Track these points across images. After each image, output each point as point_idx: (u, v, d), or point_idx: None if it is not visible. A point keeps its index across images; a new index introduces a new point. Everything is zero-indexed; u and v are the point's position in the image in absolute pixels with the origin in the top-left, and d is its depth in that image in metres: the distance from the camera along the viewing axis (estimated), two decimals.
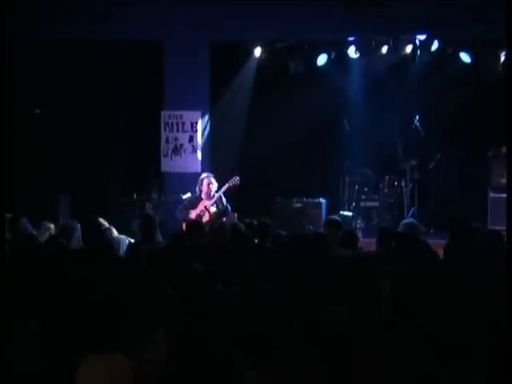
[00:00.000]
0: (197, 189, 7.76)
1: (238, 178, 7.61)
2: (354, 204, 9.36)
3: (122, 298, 3.41)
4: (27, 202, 8.06)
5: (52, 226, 5.95)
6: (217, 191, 7.62)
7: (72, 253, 5.05)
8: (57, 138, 9.67)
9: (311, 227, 8.69)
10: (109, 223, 5.96)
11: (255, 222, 5.87)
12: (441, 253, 4.98)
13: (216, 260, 4.78)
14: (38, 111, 9.37)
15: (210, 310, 3.32)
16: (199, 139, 9.30)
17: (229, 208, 7.59)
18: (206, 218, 7.47)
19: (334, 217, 6.51)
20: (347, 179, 9.39)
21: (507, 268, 3.85)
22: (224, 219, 7.40)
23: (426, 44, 8.90)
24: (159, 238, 5.72)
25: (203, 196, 7.66)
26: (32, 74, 9.26)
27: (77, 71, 9.49)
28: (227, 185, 7.58)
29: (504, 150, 8.14)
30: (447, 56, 9.01)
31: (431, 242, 5.40)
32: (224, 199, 7.54)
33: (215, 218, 7.44)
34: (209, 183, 7.60)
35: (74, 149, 9.70)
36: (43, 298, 3.67)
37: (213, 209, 7.56)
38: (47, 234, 5.77)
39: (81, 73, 9.53)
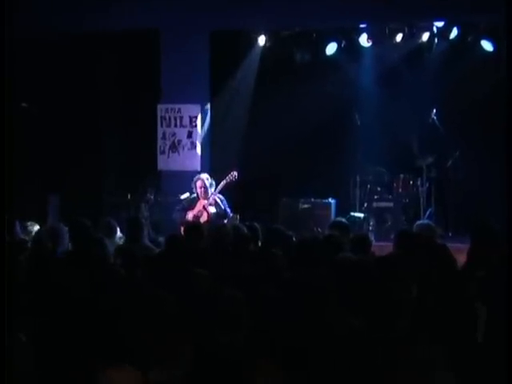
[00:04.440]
0: (193, 190, 7.75)
1: (235, 173, 7.60)
2: (365, 205, 9.33)
3: (122, 307, 3.43)
4: (13, 203, 8.04)
5: (36, 227, 5.92)
6: (215, 190, 7.61)
7: (59, 257, 5.03)
8: (45, 133, 9.67)
9: (319, 229, 8.68)
10: (101, 225, 5.93)
11: (257, 225, 5.83)
12: (459, 257, 4.94)
13: (216, 265, 4.75)
14: (24, 105, 9.37)
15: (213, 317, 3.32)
16: (198, 135, 9.29)
17: (228, 210, 7.58)
18: (204, 218, 7.47)
19: (340, 219, 6.47)
20: (358, 178, 9.37)
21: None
22: (225, 221, 7.38)
23: (444, 31, 8.89)
24: (146, 241, 5.71)
25: (200, 196, 7.65)
26: (19, 67, 9.24)
27: (67, 63, 9.48)
28: (224, 181, 7.57)
29: None
30: (467, 44, 8.97)
31: (449, 245, 5.35)
32: (221, 202, 7.51)
33: (214, 217, 7.42)
34: (201, 186, 7.58)
35: (64, 145, 9.70)
36: (36, 305, 3.69)
37: (212, 209, 7.54)
38: (31, 236, 5.75)
39: (71, 65, 9.52)
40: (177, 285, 3.90)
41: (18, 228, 5.91)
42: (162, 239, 6.37)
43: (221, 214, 7.49)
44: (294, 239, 5.47)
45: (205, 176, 7.74)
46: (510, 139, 5.30)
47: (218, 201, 7.54)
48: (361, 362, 2.86)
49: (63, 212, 9.10)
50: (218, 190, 7.61)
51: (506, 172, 6.51)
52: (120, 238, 5.97)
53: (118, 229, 5.95)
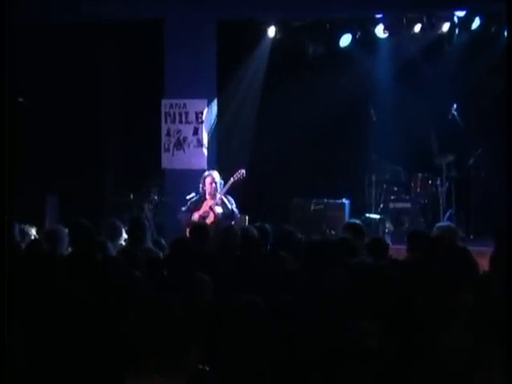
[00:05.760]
0: (200, 188, 7.78)
1: (243, 170, 7.62)
2: (381, 205, 9.35)
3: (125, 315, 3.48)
4: (12, 203, 8.07)
5: (33, 230, 5.95)
6: (222, 189, 7.64)
7: (60, 261, 5.06)
8: (43, 130, 9.68)
9: (332, 232, 8.69)
10: (102, 227, 5.97)
11: (267, 227, 5.85)
12: (481, 261, 4.95)
13: (223, 268, 4.77)
14: (21, 100, 9.42)
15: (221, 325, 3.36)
16: (205, 132, 9.31)
17: (235, 211, 7.60)
18: (210, 220, 7.50)
19: (354, 220, 6.48)
20: (374, 177, 9.38)
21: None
22: (233, 222, 7.40)
23: (465, 21, 8.87)
24: (149, 244, 5.75)
25: (207, 196, 7.68)
26: (16, 60, 9.29)
27: (66, 56, 9.50)
28: (232, 179, 7.60)
29: None
30: (490, 35, 8.92)
31: (471, 249, 5.36)
32: (228, 202, 7.54)
33: (221, 218, 7.45)
34: (211, 182, 7.62)
35: (63, 142, 9.72)
36: (30, 311, 3.73)
37: (218, 209, 7.57)
38: (28, 239, 5.79)
39: (70, 58, 9.54)
40: (181, 289, 3.93)
41: (16, 230, 5.94)
42: (163, 242, 6.43)
43: (228, 215, 7.51)
44: (303, 241, 5.48)
45: (216, 174, 7.75)
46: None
47: (225, 200, 7.57)
48: (376, 370, 2.88)
49: (62, 213, 9.14)
50: (225, 189, 7.64)
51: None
52: (125, 240, 6.01)
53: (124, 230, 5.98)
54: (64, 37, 9.27)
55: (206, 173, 7.84)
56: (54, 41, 9.29)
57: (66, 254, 5.38)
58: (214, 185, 7.62)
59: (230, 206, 7.56)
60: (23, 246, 5.59)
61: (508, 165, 6.45)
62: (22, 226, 6.07)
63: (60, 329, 3.52)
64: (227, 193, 7.73)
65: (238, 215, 7.73)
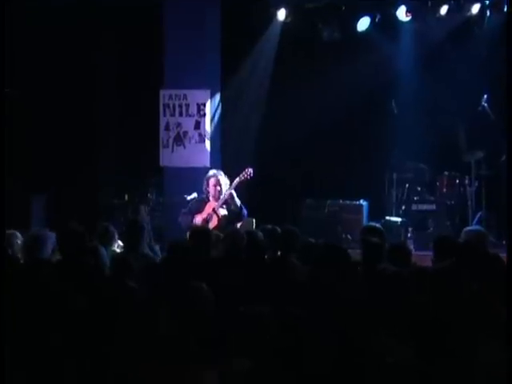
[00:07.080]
0: (203, 189, 7.73)
1: (251, 169, 7.60)
2: (403, 207, 9.34)
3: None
4: None
5: (19, 235, 5.91)
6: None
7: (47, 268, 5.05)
8: (31, 124, 9.72)
9: (349, 236, 8.66)
10: (98, 231, 5.95)
11: (278, 230, 5.83)
12: None
13: (227, 276, 4.72)
14: (7, 90, 9.44)
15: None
16: (208, 125, 9.29)
17: (244, 210, 7.57)
18: (213, 223, 7.47)
19: (373, 224, 6.45)
20: (395, 176, 9.37)
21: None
22: (238, 225, 7.37)
23: (497, 2, 8.82)
24: (145, 249, 5.70)
25: (210, 198, 7.64)
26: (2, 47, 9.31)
27: (58, 41, 9.53)
28: (238, 179, 7.56)
29: None
30: None
31: (503, 255, 5.31)
32: (237, 199, 7.52)
33: (225, 222, 7.42)
34: (215, 184, 7.58)
35: (52, 137, 9.75)
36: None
37: (222, 211, 7.54)
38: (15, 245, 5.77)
39: (63, 44, 9.57)
40: (177, 299, 3.90)
41: None
42: (157, 247, 6.40)
43: (236, 213, 7.47)
44: (315, 244, 5.46)
45: (222, 176, 7.69)
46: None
47: (234, 194, 7.50)
48: None
49: (49, 215, 9.13)
50: (230, 188, 7.59)
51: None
52: (119, 246, 5.98)
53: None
54: (59, 24, 9.29)
55: (211, 173, 7.78)
56: (49, 27, 9.30)
57: (55, 260, 5.36)
58: (218, 188, 7.58)
59: (238, 203, 7.51)
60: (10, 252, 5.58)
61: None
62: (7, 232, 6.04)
63: (47, 339, 3.51)
64: None
65: (246, 214, 7.68)
